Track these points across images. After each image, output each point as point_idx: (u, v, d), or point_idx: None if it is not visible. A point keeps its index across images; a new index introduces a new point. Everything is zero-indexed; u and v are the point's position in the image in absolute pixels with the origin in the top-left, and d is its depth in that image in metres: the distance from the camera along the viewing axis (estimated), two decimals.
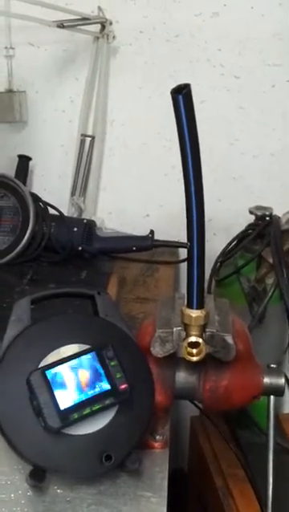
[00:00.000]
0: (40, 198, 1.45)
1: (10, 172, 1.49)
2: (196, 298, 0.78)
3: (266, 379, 0.86)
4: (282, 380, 0.86)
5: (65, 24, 1.33)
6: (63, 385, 0.74)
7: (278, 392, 0.86)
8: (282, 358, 1.46)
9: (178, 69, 1.52)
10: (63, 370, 0.74)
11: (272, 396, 0.87)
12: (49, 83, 1.58)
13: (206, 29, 1.49)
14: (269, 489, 0.89)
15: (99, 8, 1.47)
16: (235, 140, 1.59)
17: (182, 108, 0.70)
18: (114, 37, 1.50)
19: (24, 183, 1.49)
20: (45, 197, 1.47)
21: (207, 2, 1.47)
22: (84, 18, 1.40)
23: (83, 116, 1.57)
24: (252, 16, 1.47)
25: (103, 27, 1.48)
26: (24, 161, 1.53)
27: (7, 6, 1.40)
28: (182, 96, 0.69)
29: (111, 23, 1.49)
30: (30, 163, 1.55)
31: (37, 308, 0.83)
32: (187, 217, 0.75)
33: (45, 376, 0.73)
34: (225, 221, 1.56)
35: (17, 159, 1.53)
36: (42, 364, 0.75)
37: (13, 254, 1.40)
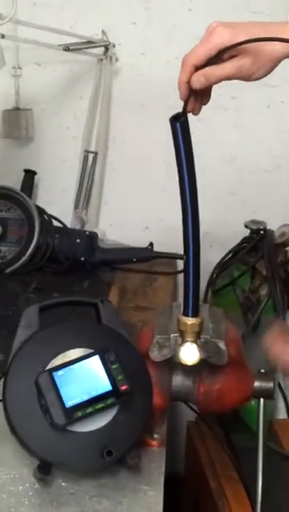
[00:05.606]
0: (45, 211, 1.52)
1: (16, 185, 1.56)
2: (191, 307, 0.84)
3: (257, 383, 0.91)
4: (271, 384, 0.91)
5: (71, 47, 1.40)
6: (68, 385, 0.79)
7: (267, 394, 0.92)
8: (275, 366, 1.52)
9: (177, 89, 1.59)
10: (69, 371, 0.80)
11: (262, 399, 0.93)
12: (54, 101, 1.64)
13: None
14: (258, 489, 0.93)
15: (103, 32, 1.54)
16: (232, 157, 1.66)
17: (179, 134, 0.78)
18: (117, 59, 1.57)
19: (30, 196, 1.55)
20: (49, 210, 1.53)
21: (204, 27, 1.54)
22: (89, 42, 1.47)
23: (87, 133, 1.64)
24: None
25: (107, 49, 1.55)
26: (29, 175, 1.60)
27: (15, 30, 1.46)
28: (180, 124, 0.77)
29: (114, 46, 1.56)
30: (36, 177, 1.61)
31: (42, 315, 0.89)
32: (183, 232, 0.82)
33: (52, 377, 0.79)
34: (222, 234, 1.62)
35: (23, 173, 1.59)
36: (49, 366, 0.81)
37: (18, 264, 1.47)
